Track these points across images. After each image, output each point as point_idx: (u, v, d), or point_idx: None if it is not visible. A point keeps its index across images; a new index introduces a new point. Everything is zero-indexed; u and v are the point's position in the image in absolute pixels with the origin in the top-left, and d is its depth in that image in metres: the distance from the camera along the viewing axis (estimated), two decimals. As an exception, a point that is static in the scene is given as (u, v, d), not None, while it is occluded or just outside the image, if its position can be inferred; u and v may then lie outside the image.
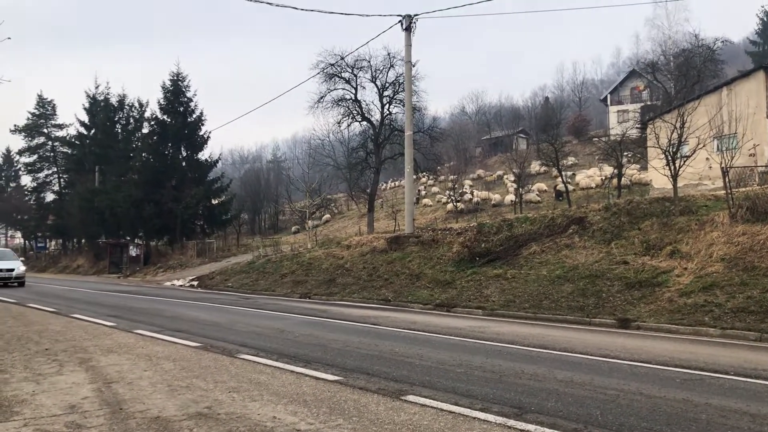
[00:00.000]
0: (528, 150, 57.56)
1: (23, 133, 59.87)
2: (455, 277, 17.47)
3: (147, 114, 47.04)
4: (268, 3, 20.08)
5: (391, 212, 42.68)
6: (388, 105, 36.70)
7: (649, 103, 52.65)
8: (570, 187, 36.72)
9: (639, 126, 37.43)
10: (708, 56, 44.13)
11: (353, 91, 36.43)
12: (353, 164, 40.07)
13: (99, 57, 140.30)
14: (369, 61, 35.64)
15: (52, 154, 60.50)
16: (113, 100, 51.49)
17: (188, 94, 42.51)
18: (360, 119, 37.43)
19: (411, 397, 5.79)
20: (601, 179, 38.95)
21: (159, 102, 42.23)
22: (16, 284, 25.62)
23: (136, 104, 50.73)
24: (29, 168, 61.93)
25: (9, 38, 11.98)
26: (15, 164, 71.77)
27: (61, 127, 60.41)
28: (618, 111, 59.94)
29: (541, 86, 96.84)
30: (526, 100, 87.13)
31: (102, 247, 45.65)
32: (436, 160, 41.64)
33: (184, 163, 42.84)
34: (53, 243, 65.03)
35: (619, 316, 12.17)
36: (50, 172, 61.11)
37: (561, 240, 17.13)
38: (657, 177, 23.99)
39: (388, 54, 35.70)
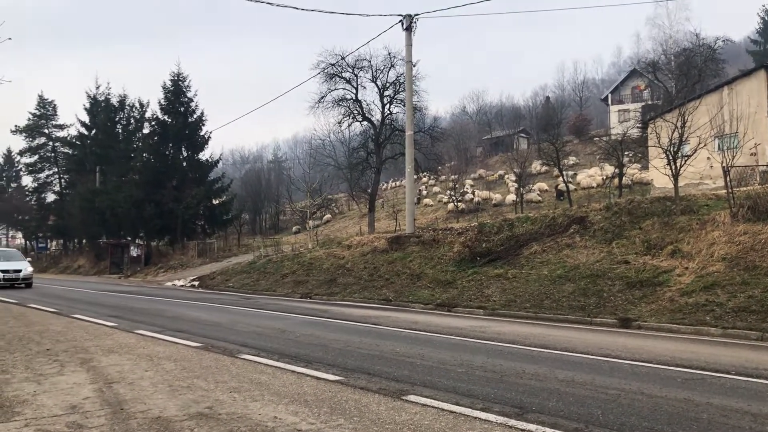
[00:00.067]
0: (529, 149, 57.60)
1: (24, 134, 59.94)
2: (456, 276, 17.47)
3: (148, 114, 47.14)
4: (268, 3, 20.10)
5: (391, 212, 42.69)
6: (388, 105, 36.74)
7: (650, 102, 52.64)
8: (571, 187, 36.72)
9: (640, 125, 37.40)
10: (709, 55, 44.11)
11: (354, 91, 36.47)
12: (354, 164, 40.05)
13: (99, 57, 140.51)
14: (370, 61, 35.69)
15: (52, 154, 60.56)
16: (114, 101, 51.56)
17: (189, 95, 42.60)
18: (361, 119, 37.45)
19: (412, 397, 5.78)
20: (602, 179, 38.91)
21: (160, 102, 42.32)
22: (23, 285, 24.84)
23: (137, 104, 50.80)
24: (30, 168, 62.02)
25: (10, 39, 11.98)
26: (16, 165, 71.87)
27: (61, 127, 60.51)
28: (619, 110, 59.91)
29: (542, 86, 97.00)
30: (527, 100, 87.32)
31: (103, 248, 45.69)
32: (437, 160, 41.63)
33: (184, 164, 42.86)
34: (54, 243, 65.11)
35: (620, 315, 12.16)
36: (51, 172, 61.21)
37: (562, 240, 17.12)
38: (658, 176, 23.97)
39: (389, 54, 35.73)
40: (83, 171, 51.12)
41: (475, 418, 5.09)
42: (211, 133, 44.45)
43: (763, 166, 21.96)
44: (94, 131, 52.69)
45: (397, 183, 66.27)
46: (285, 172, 73.56)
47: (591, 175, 42.64)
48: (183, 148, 42.94)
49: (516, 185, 39.43)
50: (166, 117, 42.12)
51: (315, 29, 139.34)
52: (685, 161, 17.81)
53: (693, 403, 5.65)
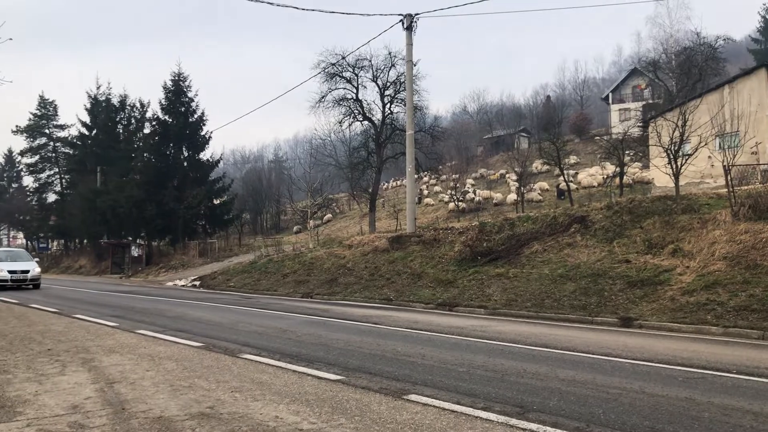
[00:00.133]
0: (530, 149, 57.52)
1: (25, 134, 60.06)
2: (457, 276, 17.47)
3: (148, 114, 47.25)
4: (269, 3, 20.10)
5: (392, 212, 42.69)
6: (389, 104, 36.74)
7: (650, 101, 52.59)
8: (572, 186, 36.72)
9: (641, 124, 37.44)
10: (709, 54, 44.06)
11: (354, 91, 36.48)
12: (355, 164, 40.04)
13: (99, 57, 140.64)
14: (370, 61, 35.69)
15: (53, 154, 60.66)
16: (115, 101, 51.66)
17: (189, 94, 42.54)
18: (361, 119, 37.45)
19: (413, 397, 5.78)
20: (603, 178, 38.90)
21: (160, 102, 42.28)
22: (31, 286, 23.86)
23: (138, 104, 50.91)
24: (31, 169, 62.14)
25: (11, 39, 11.99)
26: (17, 165, 72.00)
27: (62, 127, 60.63)
28: (620, 109, 59.90)
29: (543, 85, 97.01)
30: (527, 99, 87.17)
31: (104, 248, 45.73)
32: (437, 160, 41.61)
33: (185, 164, 42.83)
34: (55, 243, 65.23)
35: (621, 314, 12.16)
36: (52, 172, 61.31)
37: (563, 239, 17.12)
38: (659, 175, 23.96)
39: (390, 53, 35.67)
40: (84, 171, 51.16)
41: (477, 417, 5.09)
42: (211, 132, 44.54)
43: (764, 164, 21.95)
44: (94, 131, 52.75)
45: (398, 182, 66.25)
46: (286, 171, 73.66)
47: (592, 175, 42.64)
48: (184, 148, 42.91)
49: (517, 184, 39.44)
50: (166, 117, 42.11)
51: (316, 29, 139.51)
52: (686, 160, 17.82)
53: (694, 402, 5.65)
